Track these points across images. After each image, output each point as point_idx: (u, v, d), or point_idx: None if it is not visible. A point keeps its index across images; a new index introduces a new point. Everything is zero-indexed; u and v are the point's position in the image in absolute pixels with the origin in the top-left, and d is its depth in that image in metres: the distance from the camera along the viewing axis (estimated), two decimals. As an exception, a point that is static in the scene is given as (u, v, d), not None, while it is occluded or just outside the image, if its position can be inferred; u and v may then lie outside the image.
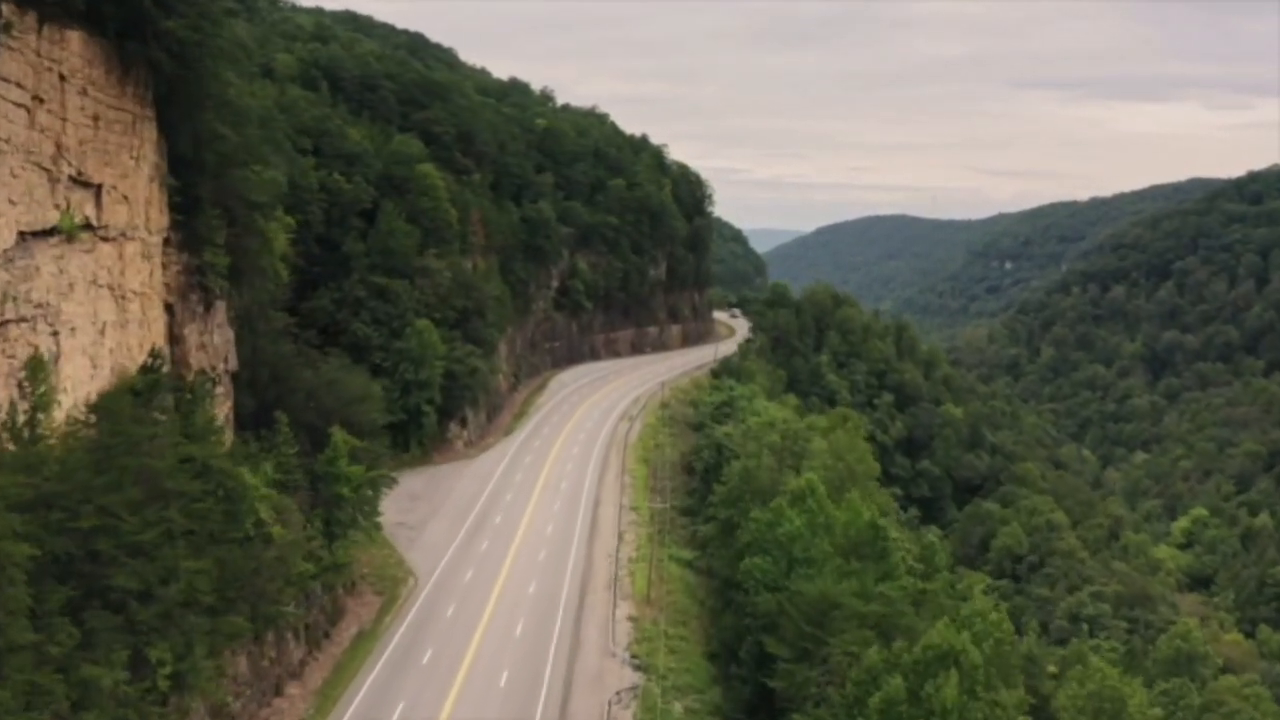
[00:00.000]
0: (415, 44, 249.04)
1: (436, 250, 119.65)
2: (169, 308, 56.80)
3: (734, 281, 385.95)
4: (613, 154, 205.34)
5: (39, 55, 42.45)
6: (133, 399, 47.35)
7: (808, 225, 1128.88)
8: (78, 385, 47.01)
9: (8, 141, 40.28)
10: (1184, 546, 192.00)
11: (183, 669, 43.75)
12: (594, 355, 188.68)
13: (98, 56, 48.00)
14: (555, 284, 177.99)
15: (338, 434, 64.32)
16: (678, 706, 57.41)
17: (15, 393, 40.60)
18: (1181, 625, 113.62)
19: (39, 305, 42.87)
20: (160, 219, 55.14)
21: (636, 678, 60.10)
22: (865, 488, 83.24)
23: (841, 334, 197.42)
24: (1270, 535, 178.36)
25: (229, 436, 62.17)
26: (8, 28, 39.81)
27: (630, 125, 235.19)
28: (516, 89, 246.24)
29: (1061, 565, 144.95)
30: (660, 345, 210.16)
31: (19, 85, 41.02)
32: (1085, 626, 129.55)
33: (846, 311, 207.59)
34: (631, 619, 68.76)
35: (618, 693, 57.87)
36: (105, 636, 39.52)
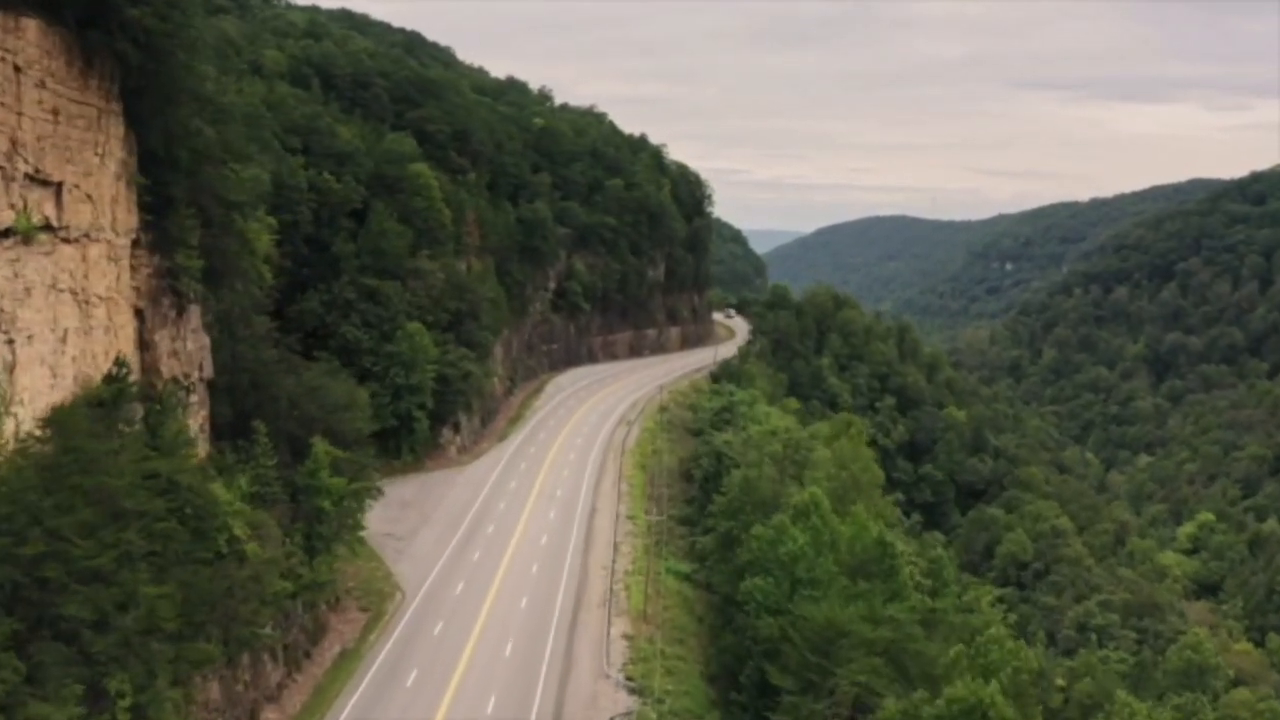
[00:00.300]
0: (411, 42, 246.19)
1: (429, 251, 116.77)
2: (139, 313, 53.95)
3: (734, 282, 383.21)
4: (611, 154, 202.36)
5: (-11, 44, 39.65)
6: (91, 411, 44.51)
7: (807, 226, 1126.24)
8: (36, 396, 44.16)
9: (-48, 136, 37.45)
10: (1190, 552, 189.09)
11: (144, 700, 40.86)
12: (592, 358, 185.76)
13: (57, 47, 45.14)
14: (552, 286, 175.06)
15: (319, 444, 61.45)
16: (675, 733, 54.65)
17: (-38, 406, 37.77)
18: (1192, 636, 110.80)
19: (-10, 312, 40.05)
20: (128, 219, 52.26)
21: (631, 702, 57.23)
22: (870, 498, 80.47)
23: (843, 336, 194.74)
24: (1279, 541, 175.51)
25: (204, 448, 59.32)
26: (-48, 14, 36.99)
27: (630, 126, 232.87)
28: (514, 88, 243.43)
29: (1068, 573, 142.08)
30: (659, 348, 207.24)
31: (-34, 76, 38.20)
32: (1093, 637, 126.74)
33: (848, 313, 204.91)
34: (627, 637, 65.87)
35: (612, 718, 55.02)
36: (55, 670, 36.67)
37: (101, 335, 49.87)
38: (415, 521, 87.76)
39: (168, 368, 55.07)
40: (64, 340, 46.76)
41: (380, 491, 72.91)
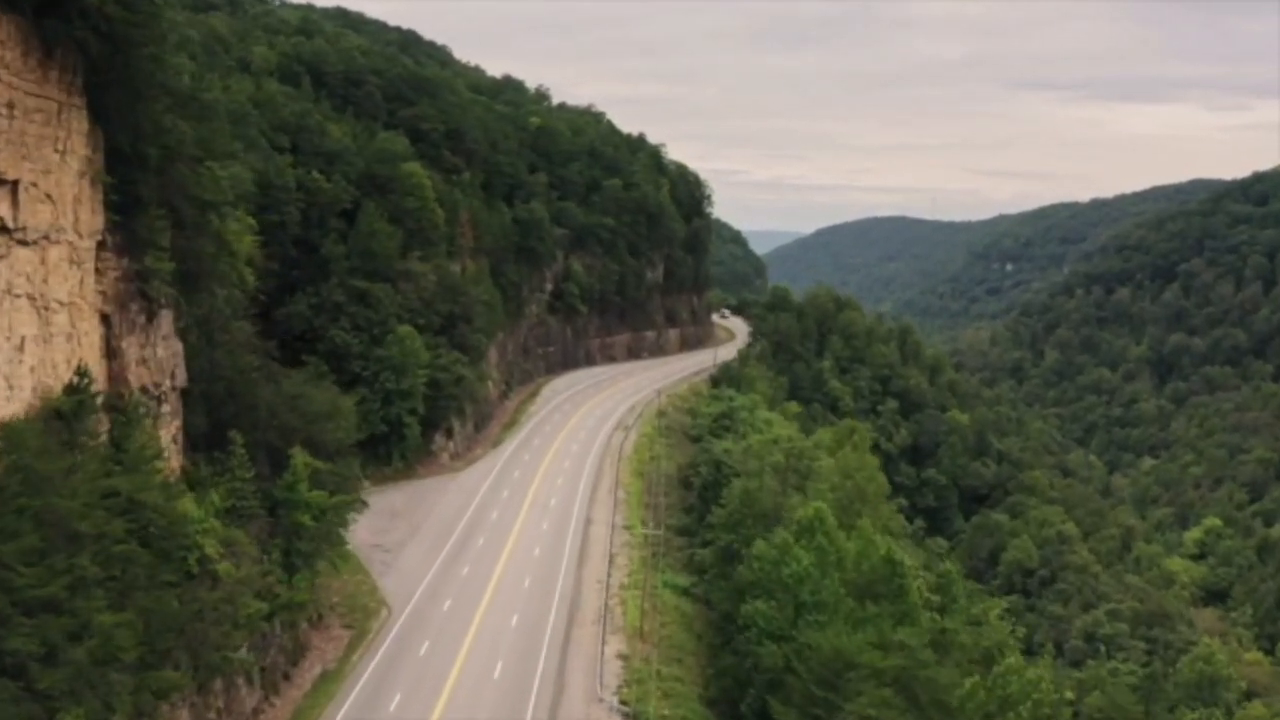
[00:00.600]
0: (407, 41, 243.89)
1: (421, 253, 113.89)
2: (105, 319, 51.07)
3: (733, 283, 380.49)
4: (609, 153, 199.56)
5: (-69, 31, 36.79)
6: (50, 425, 41.68)
7: (807, 226, 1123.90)
8: (-11, 409, 41.36)
9: (-113, 129, 34.59)
10: (1197, 558, 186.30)
11: (100, 735, 38.00)
12: (589, 361, 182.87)
13: (12, 36, 42.29)
14: (549, 287, 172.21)
15: (299, 456, 58.59)
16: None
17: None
18: (1204, 648, 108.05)
19: (-68, 319, 37.19)
20: (93, 220, 49.37)
21: (626, 727, 54.41)
22: (875, 509, 77.66)
23: (844, 338, 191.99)
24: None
25: (177, 461, 56.46)
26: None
27: (629, 126, 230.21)
28: (510, 87, 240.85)
29: (1074, 581, 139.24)
30: (658, 350, 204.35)
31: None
32: (1102, 647, 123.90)
33: (849, 315, 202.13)
34: (622, 657, 62.98)
35: (605, 746, 52.25)
36: (1, 708, 33.81)
37: (63, 343, 47.01)
38: (404, 532, 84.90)
39: (136, 376, 52.18)
40: (21, 349, 43.93)
41: (365, 504, 70.04)
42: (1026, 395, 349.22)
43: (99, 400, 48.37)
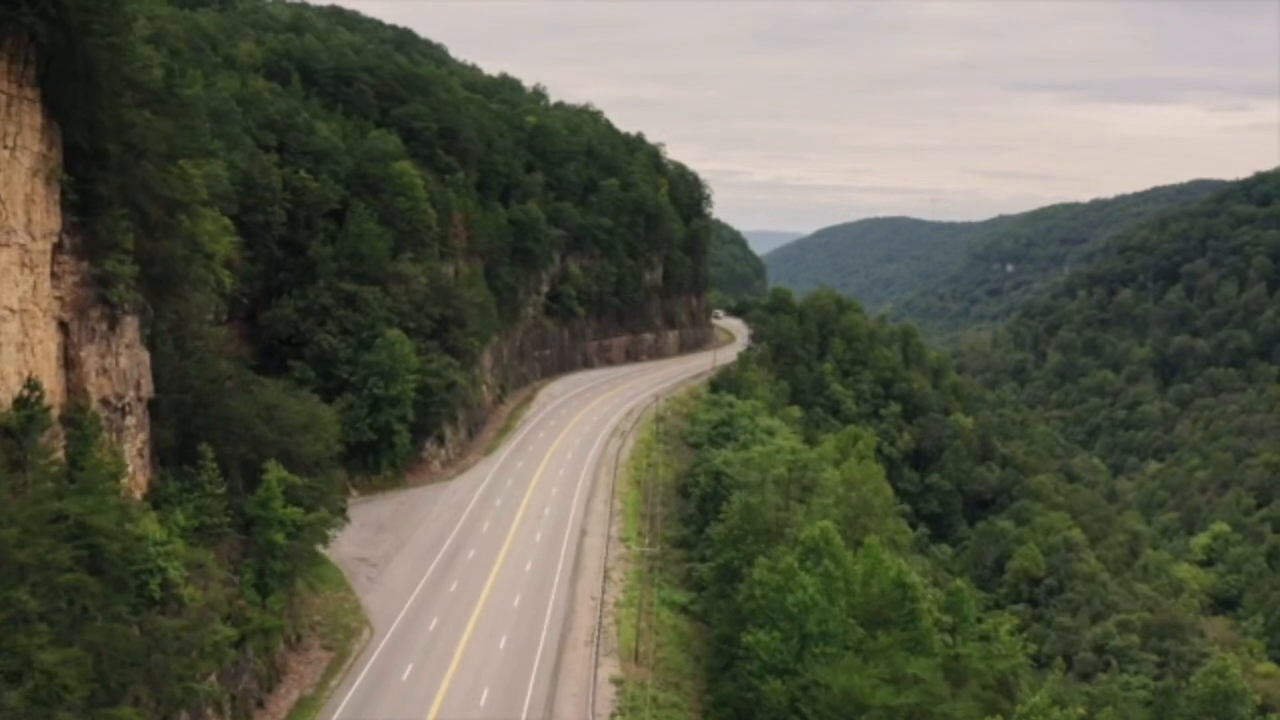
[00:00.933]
0: (402, 39, 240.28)
1: (412, 254, 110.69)
2: (63, 326, 47.84)
3: (733, 285, 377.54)
4: (607, 153, 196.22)
5: None
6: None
7: (807, 228, 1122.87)
8: (-73, 426, 38.16)
9: None
10: (1205, 564, 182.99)
11: (43, 782, 34.77)
12: (586, 364, 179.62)
13: (-48, 22, 39.12)
14: (545, 289, 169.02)
15: (273, 470, 55.33)
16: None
17: None
18: (1218, 662, 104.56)
19: None
20: (48, 221, 46.11)
21: (619, 760, 51.12)
22: (882, 522, 74.45)
23: (846, 341, 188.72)
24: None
25: (143, 477, 53.26)
26: None
27: (629, 128, 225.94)
28: (507, 85, 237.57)
29: (1083, 590, 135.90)
30: (656, 353, 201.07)
31: None
32: (1113, 660, 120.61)
33: (851, 317, 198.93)
34: (615, 682, 59.69)
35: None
36: (-77, 760, 30.59)
37: (13, 353, 43.77)
38: (391, 545, 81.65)
39: (96, 388, 48.95)
40: (-36, 360, 40.75)
41: (346, 519, 66.75)
42: (1029, 397, 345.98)
43: (54, 414, 45.24)
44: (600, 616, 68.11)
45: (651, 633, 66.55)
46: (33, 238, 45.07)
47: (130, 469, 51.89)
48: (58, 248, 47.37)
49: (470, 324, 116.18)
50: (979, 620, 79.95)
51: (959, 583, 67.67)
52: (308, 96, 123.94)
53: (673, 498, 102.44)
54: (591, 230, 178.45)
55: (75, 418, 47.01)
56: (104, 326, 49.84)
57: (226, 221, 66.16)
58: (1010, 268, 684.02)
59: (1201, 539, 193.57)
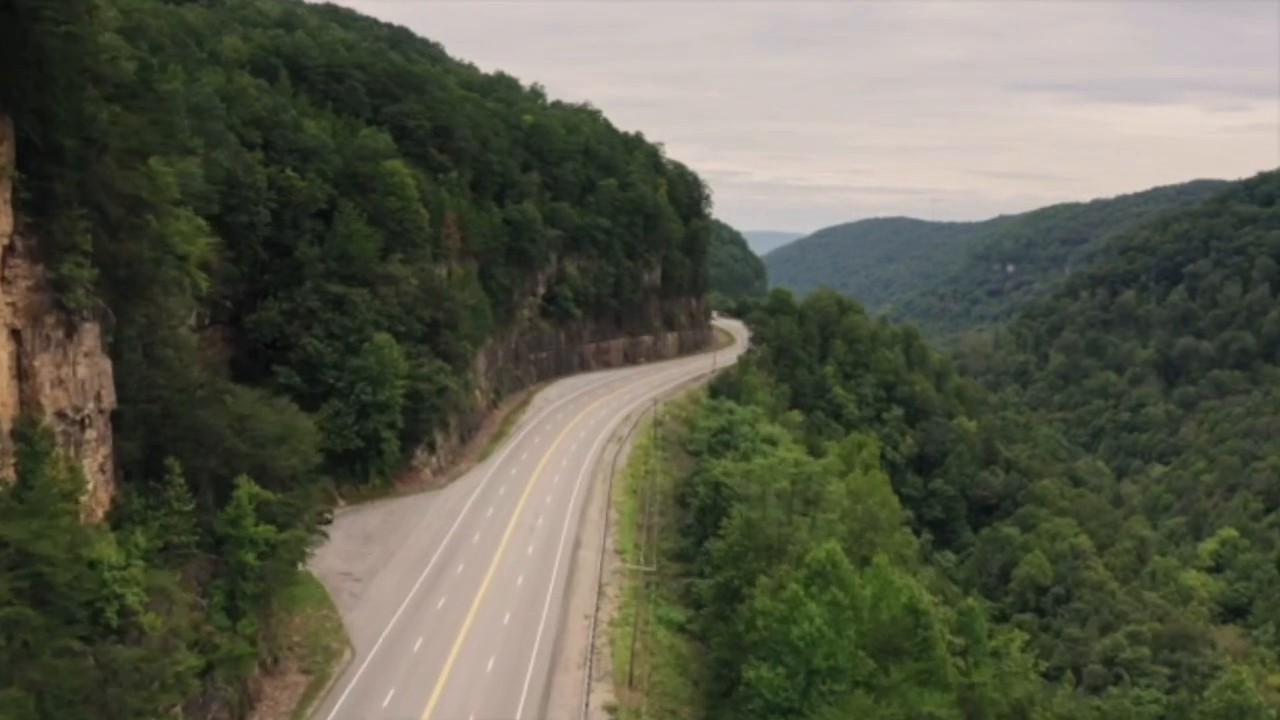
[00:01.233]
0: (398, 37, 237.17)
1: (403, 255, 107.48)
2: (15, 335, 44.65)
3: (733, 285, 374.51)
4: (605, 152, 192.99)
5: None
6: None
7: (807, 228, 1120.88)
8: None
9: None
10: (1214, 570, 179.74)
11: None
12: (584, 367, 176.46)
13: (-116, 3, 35.92)
14: (541, 291, 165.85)
15: (244, 486, 52.10)
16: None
17: None
18: (1233, 675, 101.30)
19: None
20: (-2, 221, 42.96)
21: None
22: (889, 537, 71.30)
23: (848, 343, 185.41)
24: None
25: (105, 493, 50.07)
26: None
27: (628, 128, 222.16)
28: (504, 84, 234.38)
29: (1091, 599, 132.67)
30: (655, 355, 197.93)
31: None
32: (1123, 673, 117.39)
33: (853, 319, 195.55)
34: (609, 709, 56.50)
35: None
36: None
37: (-43, 363, 40.64)
38: (377, 558, 78.46)
39: (51, 400, 45.75)
40: (-101, 372, 37.56)
41: (325, 536, 63.59)
42: (1031, 399, 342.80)
43: (3, 429, 42.10)
44: (593, 636, 64.91)
45: (647, 654, 63.35)
46: (-21, 239, 41.96)
47: (90, 486, 48.75)
48: (9, 250, 44.23)
49: (463, 327, 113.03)
50: (989, 634, 76.66)
51: (971, 601, 64.57)
52: (297, 94, 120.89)
53: (671, 507, 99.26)
54: (589, 231, 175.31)
55: (26, 433, 43.85)
56: (60, 334, 46.63)
57: (200, 222, 62.91)
58: (1011, 268, 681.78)
59: (1209, 544, 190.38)
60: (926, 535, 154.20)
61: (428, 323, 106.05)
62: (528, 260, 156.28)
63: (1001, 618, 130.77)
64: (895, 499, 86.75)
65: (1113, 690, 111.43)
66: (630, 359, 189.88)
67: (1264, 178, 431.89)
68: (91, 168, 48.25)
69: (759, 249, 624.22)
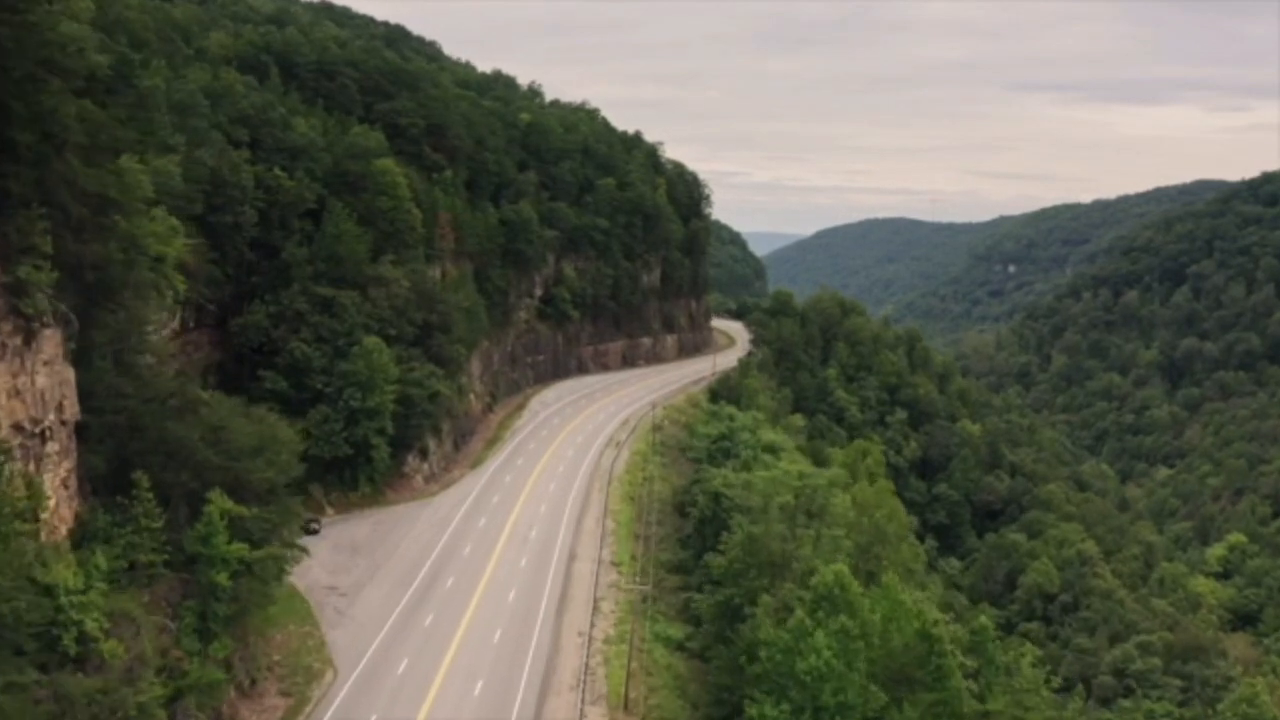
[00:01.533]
0: (394, 36, 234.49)
1: (394, 256, 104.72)
2: (-33, 342, 41.87)
3: (733, 286, 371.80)
4: (603, 151, 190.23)
5: None
6: None
7: (807, 229, 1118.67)
8: None
9: None
10: (1222, 576, 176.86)
11: None
12: (582, 369, 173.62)
13: None
14: (538, 292, 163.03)
15: (216, 501, 49.25)
16: None
17: None
18: (1247, 688, 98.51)
19: None
20: (-56, 221, 40.16)
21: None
22: (896, 549, 68.49)
23: (850, 345, 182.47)
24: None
25: (69, 510, 47.28)
26: None
27: (628, 128, 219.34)
28: (501, 82, 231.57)
29: (1100, 608, 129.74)
30: (654, 357, 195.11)
31: None
32: (1134, 685, 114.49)
33: (855, 321, 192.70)
34: (603, 736, 53.72)
35: None
36: None
37: (-100, 374, 37.83)
38: (364, 571, 75.63)
39: (7, 412, 42.94)
40: None
41: (305, 552, 60.73)
42: (1034, 401, 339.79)
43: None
44: (587, 656, 62.04)
45: (644, 674, 60.48)
46: (-76, 240, 39.16)
47: (52, 502, 46.00)
48: (-41, 252, 41.51)
49: (456, 330, 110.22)
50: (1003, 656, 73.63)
51: (983, 619, 61.72)
52: (287, 91, 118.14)
53: (669, 515, 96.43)
54: (587, 231, 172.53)
55: (-20, 447, 41.07)
56: (17, 341, 43.82)
57: (175, 222, 60.09)
58: (1012, 268, 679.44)
59: (1217, 550, 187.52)
60: (930, 541, 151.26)
61: (420, 326, 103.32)
62: (524, 261, 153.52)
63: (1008, 626, 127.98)
64: (902, 510, 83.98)
65: (1124, 703, 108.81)
66: (629, 362, 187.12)
67: (1268, 178, 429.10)
68: (52, 165, 45.51)
69: (758, 250, 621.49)
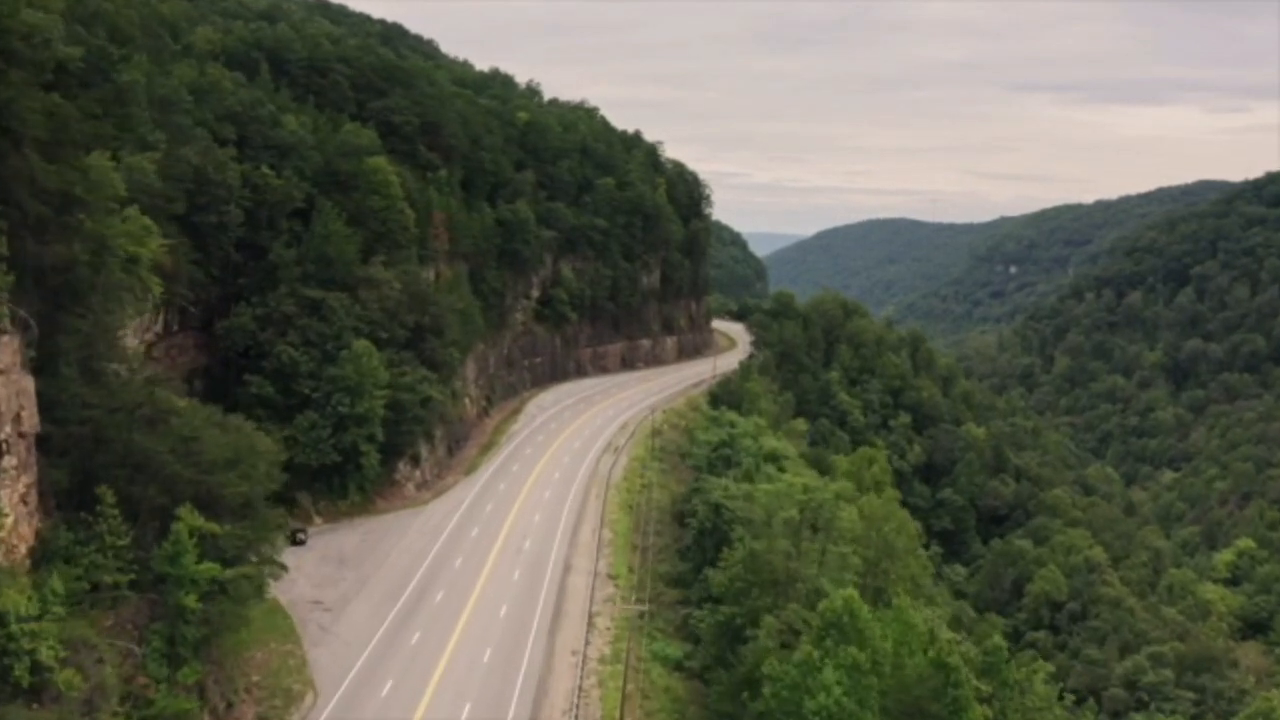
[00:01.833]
0: (390, 34, 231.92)
1: (385, 257, 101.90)
2: (-86, 349, 39.11)
3: (734, 287, 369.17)
4: (602, 150, 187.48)
5: None
6: None
7: (807, 229, 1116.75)
8: None
9: None
10: (1230, 582, 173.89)
11: None
12: (580, 372, 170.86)
13: None
14: (536, 294, 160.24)
15: (185, 518, 46.39)
16: None
17: None
18: (1263, 702, 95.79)
19: None
20: (-113, 220, 37.35)
21: None
22: (905, 564, 65.69)
23: (853, 348, 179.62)
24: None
25: (28, 528, 44.45)
26: None
27: (627, 128, 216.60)
28: (499, 81, 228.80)
29: (1109, 617, 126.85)
30: (654, 360, 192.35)
31: None
32: (1146, 698, 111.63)
33: (858, 322, 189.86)
34: (597, 765, 50.88)
35: None
36: None
37: None
38: (351, 585, 72.82)
39: (-43, 424, 40.17)
40: None
41: (284, 568, 57.90)
42: (1037, 403, 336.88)
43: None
44: (581, 677, 59.16)
45: (640, 697, 57.66)
46: None
47: (10, 519, 43.21)
48: (-95, 253, 38.73)
49: (449, 333, 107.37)
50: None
51: (997, 639, 58.91)
52: (278, 88, 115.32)
53: (668, 524, 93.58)
54: (585, 231, 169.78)
55: (-74, 463, 38.29)
56: (-31, 349, 41.07)
57: (147, 221, 57.19)
58: (1013, 269, 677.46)
59: (1225, 555, 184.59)
60: (935, 547, 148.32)
61: (411, 328, 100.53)
62: (521, 262, 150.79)
63: (1015, 636, 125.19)
64: (911, 523, 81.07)
65: (1136, 717, 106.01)
66: (628, 364, 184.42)
67: (1271, 178, 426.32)
68: (9, 161, 42.75)
69: (759, 250, 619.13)
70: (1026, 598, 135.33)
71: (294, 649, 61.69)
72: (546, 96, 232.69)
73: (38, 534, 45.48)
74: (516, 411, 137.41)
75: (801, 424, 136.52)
